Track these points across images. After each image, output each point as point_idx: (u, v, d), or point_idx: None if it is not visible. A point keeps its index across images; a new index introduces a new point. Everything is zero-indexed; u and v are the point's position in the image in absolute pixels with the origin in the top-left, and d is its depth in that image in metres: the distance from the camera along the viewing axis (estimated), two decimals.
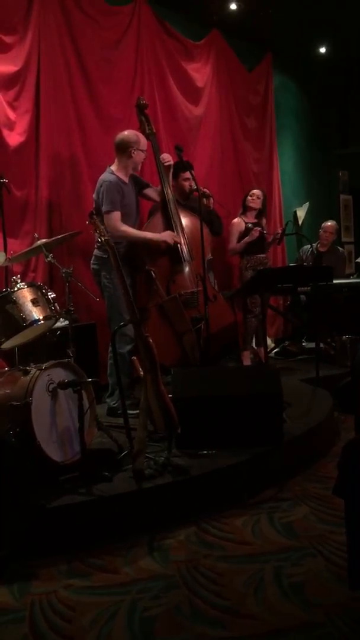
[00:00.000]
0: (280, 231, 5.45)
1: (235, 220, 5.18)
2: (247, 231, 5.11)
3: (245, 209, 5.24)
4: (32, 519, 2.35)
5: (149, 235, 3.88)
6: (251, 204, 5.20)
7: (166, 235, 3.88)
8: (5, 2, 4.01)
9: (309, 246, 5.79)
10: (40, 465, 2.61)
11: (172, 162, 4.03)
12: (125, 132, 3.83)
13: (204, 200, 4.41)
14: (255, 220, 5.20)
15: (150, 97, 4.94)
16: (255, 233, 5.05)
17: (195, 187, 4.05)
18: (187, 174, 4.30)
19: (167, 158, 4.03)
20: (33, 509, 2.37)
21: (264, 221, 5.34)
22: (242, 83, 6.26)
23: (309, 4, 5.68)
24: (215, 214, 4.63)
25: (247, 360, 5.04)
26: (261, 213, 5.28)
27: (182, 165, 4.26)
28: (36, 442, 2.60)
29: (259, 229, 5.10)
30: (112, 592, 2.14)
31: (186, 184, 4.39)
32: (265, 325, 4.25)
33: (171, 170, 4.08)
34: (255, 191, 5.27)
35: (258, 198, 5.21)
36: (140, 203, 4.10)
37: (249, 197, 5.22)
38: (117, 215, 3.65)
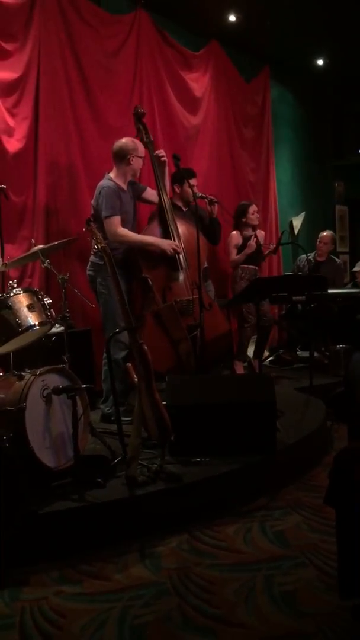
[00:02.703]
0: (274, 243, 5.49)
1: (233, 233, 5.20)
2: (244, 243, 5.13)
3: (241, 224, 5.19)
4: (23, 524, 2.34)
5: (149, 239, 3.89)
6: (253, 222, 5.18)
7: (166, 244, 3.89)
8: (6, 9, 4.04)
9: (304, 256, 5.81)
10: (33, 470, 2.61)
11: (166, 159, 4.07)
12: (123, 140, 3.86)
13: (209, 206, 4.45)
14: (253, 233, 5.21)
15: (148, 105, 4.98)
16: (253, 244, 5.07)
17: (199, 194, 4.11)
18: (193, 181, 4.36)
19: (162, 153, 4.07)
20: (25, 515, 2.37)
21: (261, 233, 5.34)
22: (240, 93, 6.31)
23: (306, 17, 5.75)
24: (218, 222, 4.65)
25: (240, 370, 5.04)
26: (255, 227, 5.27)
27: (187, 173, 4.33)
28: (29, 447, 2.60)
29: (255, 239, 5.11)
30: (103, 599, 2.13)
31: (190, 190, 4.44)
32: (269, 337, 4.24)
33: (166, 166, 4.11)
34: (253, 207, 5.22)
35: (258, 213, 5.25)
36: (138, 211, 4.13)
37: (250, 216, 5.16)
38: (117, 220, 3.66)
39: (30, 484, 2.50)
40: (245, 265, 5.13)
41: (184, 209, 4.45)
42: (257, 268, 5.23)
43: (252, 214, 5.19)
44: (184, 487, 2.72)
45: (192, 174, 4.46)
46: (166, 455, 2.93)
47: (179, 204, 4.44)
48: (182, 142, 5.45)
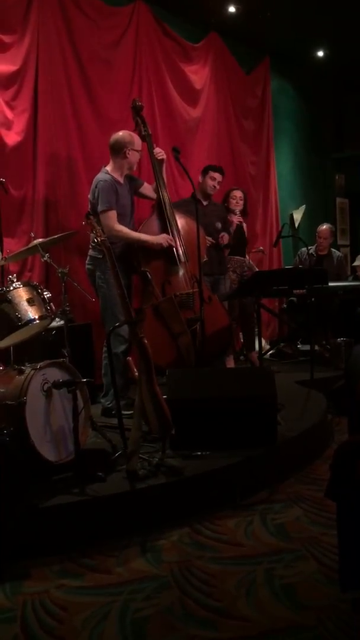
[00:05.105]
0: (262, 248, 5.50)
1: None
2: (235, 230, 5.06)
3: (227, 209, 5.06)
4: (25, 518, 2.35)
5: (143, 237, 3.87)
6: (233, 207, 5.01)
7: (160, 238, 3.89)
8: (4, 1, 4.01)
9: (305, 249, 5.79)
10: (33, 464, 2.61)
11: (164, 156, 4.07)
12: (120, 133, 3.84)
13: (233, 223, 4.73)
14: (241, 219, 5.06)
15: (148, 98, 4.95)
16: (233, 223, 4.91)
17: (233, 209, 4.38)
18: (217, 175, 4.37)
19: (160, 151, 4.06)
20: (26, 509, 2.37)
21: (242, 222, 5.12)
22: (240, 85, 6.27)
23: (306, 7, 5.71)
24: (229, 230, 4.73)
25: (230, 364, 4.99)
26: (242, 214, 5.09)
27: (213, 167, 4.52)
28: (30, 441, 2.60)
29: (237, 217, 4.95)
30: (104, 592, 2.14)
31: (211, 183, 4.46)
32: (260, 329, 4.29)
33: (164, 164, 4.10)
34: (236, 192, 5.06)
35: (241, 199, 5.03)
36: (137, 205, 4.11)
37: (230, 200, 5.02)
38: (113, 214, 3.65)
39: (31, 478, 2.50)
40: (230, 257, 5.01)
41: (204, 203, 4.46)
42: (244, 258, 5.15)
43: (233, 199, 5.02)
44: (184, 480, 2.72)
45: (218, 169, 4.57)
46: (167, 448, 2.93)
47: (199, 196, 4.38)
48: (182, 135, 5.43)
